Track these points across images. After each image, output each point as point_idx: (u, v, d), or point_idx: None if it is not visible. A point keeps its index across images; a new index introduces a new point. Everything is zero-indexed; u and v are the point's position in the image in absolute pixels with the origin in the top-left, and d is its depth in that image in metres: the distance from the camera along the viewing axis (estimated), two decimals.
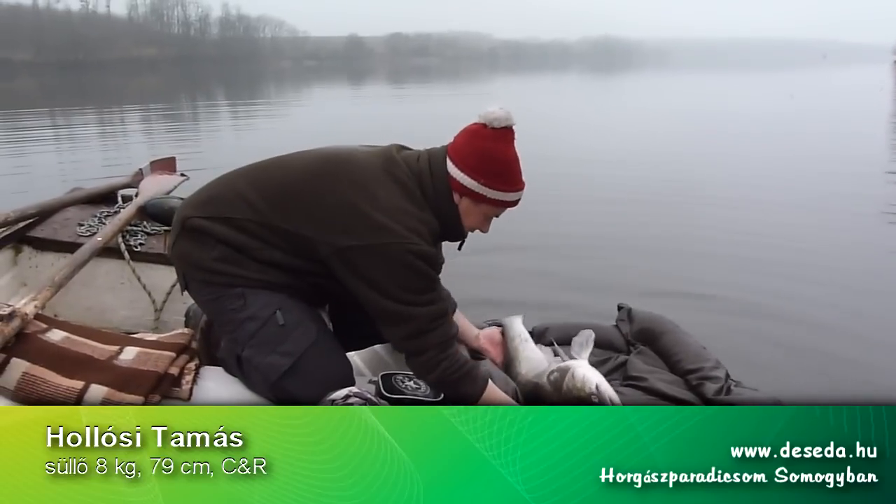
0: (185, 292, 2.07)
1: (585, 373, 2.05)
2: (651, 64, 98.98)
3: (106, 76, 51.31)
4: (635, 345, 2.76)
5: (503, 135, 1.89)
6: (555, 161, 8.89)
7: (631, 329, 2.81)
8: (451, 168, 1.90)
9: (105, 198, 3.26)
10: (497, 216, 2.00)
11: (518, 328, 2.37)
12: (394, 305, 1.84)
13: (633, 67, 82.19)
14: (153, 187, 3.26)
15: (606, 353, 2.66)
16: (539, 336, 2.71)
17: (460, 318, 2.40)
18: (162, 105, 24.61)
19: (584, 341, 2.25)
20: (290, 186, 1.90)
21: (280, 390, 1.90)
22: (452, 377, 1.92)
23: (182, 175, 3.58)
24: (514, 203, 1.97)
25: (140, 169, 3.53)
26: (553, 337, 2.69)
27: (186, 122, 18.56)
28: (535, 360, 2.25)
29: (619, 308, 2.94)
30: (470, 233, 2.04)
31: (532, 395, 2.18)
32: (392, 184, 1.88)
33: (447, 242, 2.04)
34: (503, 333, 2.39)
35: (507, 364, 2.31)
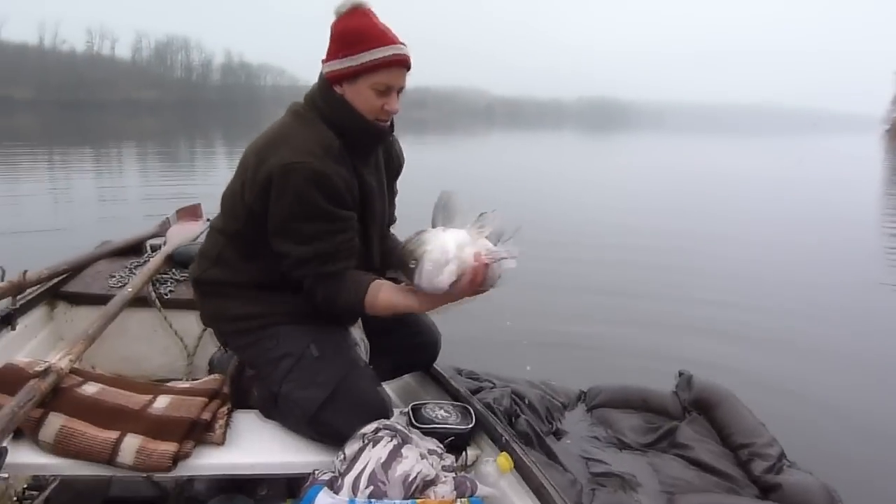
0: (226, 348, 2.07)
1: (431, 237, 1.67)
2: (647, 125, 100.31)
3: (106, 116, 51.78)
4: (690, 412, 2.72)
5: (353, 12, 1.83)
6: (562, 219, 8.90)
7: (689, 396, 2.78)
8: (323, 69, 1.88)
9: (134, 249, 3.31)
10: (391, 85, 1.84)
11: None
12: (279, 241, 1.84)
13: (629, 128, 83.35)
14: (179, 235, 3.32)
15: (659, 420, 2.61)
16: (592, 398, 2.67)
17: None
18: (160, 146, 24.82)
19: (494, 218, 1.71)
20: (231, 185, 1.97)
21: (318, 423, 1.89)
22: (331, 298, 1.86)
23: (208, 220, 3.58)
24: (391, 60, 1.81)
25: (167, 218, 3.59)
26: (605, 399, 2.62)
27: (182, 163, 18.70)
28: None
29: (680, 374, 2.91)
30: (387, 118, 1.90)
31: None
32: (291, 120, 1.89)
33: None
34: None
35: None
